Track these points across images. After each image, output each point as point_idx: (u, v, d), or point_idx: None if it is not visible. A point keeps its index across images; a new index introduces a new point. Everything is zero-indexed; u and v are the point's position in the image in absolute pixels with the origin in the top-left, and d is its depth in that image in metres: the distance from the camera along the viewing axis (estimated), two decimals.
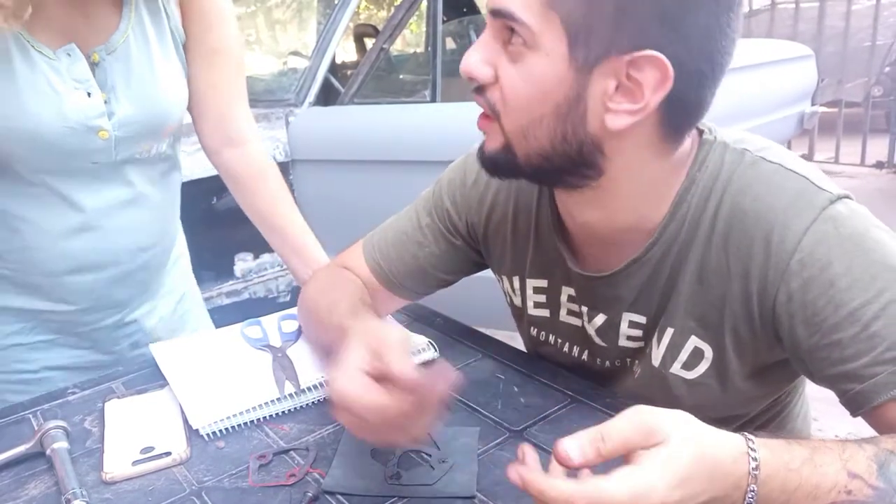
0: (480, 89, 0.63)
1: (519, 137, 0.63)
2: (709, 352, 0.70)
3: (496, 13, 0.60)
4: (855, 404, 0.61)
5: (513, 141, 0.63)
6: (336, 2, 2.39)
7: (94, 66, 0.89)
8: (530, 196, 0.80)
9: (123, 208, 0.97)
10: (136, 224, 0.99)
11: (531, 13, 0.58)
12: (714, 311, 0.68)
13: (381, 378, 0.57)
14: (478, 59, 0.62)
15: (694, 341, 0.70)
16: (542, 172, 0.66)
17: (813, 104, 3.82)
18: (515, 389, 0.80)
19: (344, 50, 4.13)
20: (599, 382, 0.81)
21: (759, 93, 3.21)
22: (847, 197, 0.64)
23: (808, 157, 5.20)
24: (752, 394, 0.74)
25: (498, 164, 0.67)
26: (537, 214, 0.79)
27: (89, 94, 0.89)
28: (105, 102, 0.90)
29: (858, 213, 0.63)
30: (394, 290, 0.88)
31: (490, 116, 0.64)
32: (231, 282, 2.12)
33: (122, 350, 1.07)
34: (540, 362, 0.86)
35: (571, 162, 0.63)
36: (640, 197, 0.67)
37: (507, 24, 0.59)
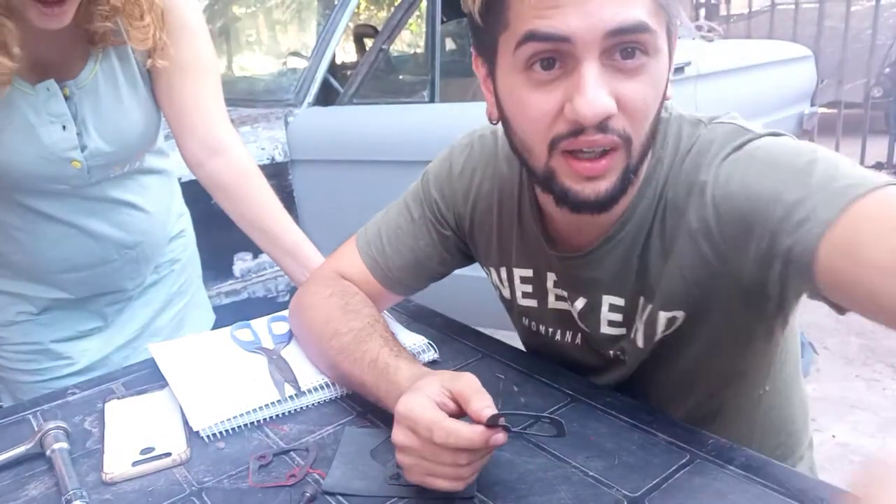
0: (603, 127, 0.59)
1: (644, 148, 0.63)
2: (680, 314, 0.71)
3: (625, 32, 0.56)
4: (802, 269, 0.58)
5: (638, 156, 0.63)
6: (336, 2, 2.39)
7: (66, 99, 0.93)
8: (512, 185, 0.80)
9: (104, 216, 1.03)
10: (120, 227, 1.05)
11: (655, 20, 0.58)
12: (676, 279, 0.69)
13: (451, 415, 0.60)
14: (604, 95, 0.57)
15: (663, 315, 0.72)
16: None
17: (812, 105, 3.82)
18: (515, 389, 0.80)
19: (343, 50, 4.13)
20: (598, 378, 0.81)
21: (759, 93, 3.22)
22: (776, 134, 0.65)
23: None
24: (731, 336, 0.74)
25: (622, 190, 0.64)
26: (519, 203, 0.80)
27: (64, 128, 0.93)
28: (77, 135, 0.94)
29: (780, 142, 0.64)
30: (389, 286, 0.88)
31: (616, 147, 0.61)
32: (230, 281, 2.12)
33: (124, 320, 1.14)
34: (540, 362, 0.86)
35: None
36: None
37: (635, 38, 0.57)
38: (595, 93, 0.57)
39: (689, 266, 0.67)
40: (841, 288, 0.56)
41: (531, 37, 0.58)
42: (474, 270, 0.93)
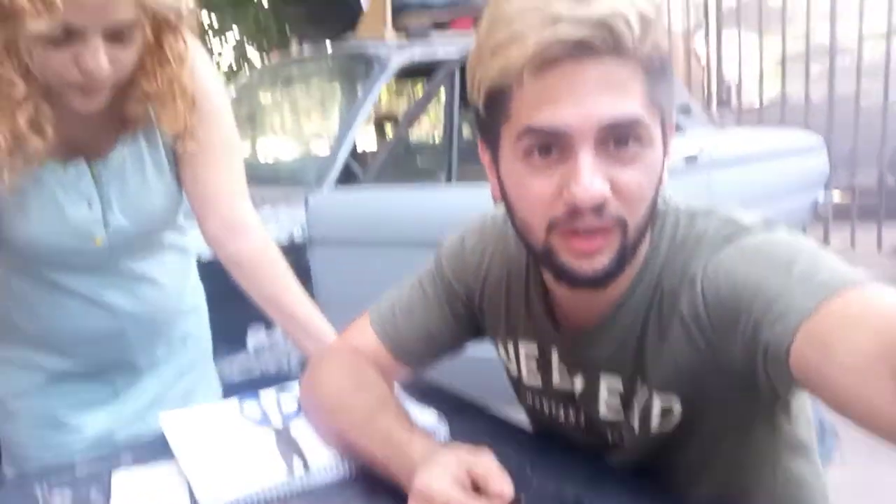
0: (599, 210, 0.62)
1: (641, 229, 0.66)
2: (676, 407, 0.71)
3: (619, 125, 0.60)
4: (779, 363, 0.58)
5: (634, 238, 0.65)
6: (359, 94, 2.49)
7: (94, 178, 0.96)
8: (521, 264, 0.82)
9: (122, 289, 1.04)
10: (136, 301, 1.06)
11: (648, 113, 0.61)
12: (671, 364, 0.69)
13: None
14: (599, 181, 0.60)
15: (658, 402, 0.71)
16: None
17: (826, 190, 3.85)
18: (529, 473, 0.78)
19: (365, 133, 4.27)
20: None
21: (772, 181, 3.26)
22: (769, 227, 0.66)
23: (823, 242, 5.18)
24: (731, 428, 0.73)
25: (619, 268, 0.65)
26: (527, 280, 0.81)
27: (90, 205, 0.96)
28: (101, 213, 0.97)
29: (768, 237, 0.65)
30: (402, 361, 0.88)
31: (610, 230, 0.63)
32: (242, 354, 2.11)
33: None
34: (553, 445, 0.84)
35: None
36: None
37: (629, 131, 0.61)
38: (590, 179, 0.60)
39: (681, 352, 0.68)
40: (812, 383, 0.57)
41: (530, 131, 0.62)
42: (486, 352, 0.93)
